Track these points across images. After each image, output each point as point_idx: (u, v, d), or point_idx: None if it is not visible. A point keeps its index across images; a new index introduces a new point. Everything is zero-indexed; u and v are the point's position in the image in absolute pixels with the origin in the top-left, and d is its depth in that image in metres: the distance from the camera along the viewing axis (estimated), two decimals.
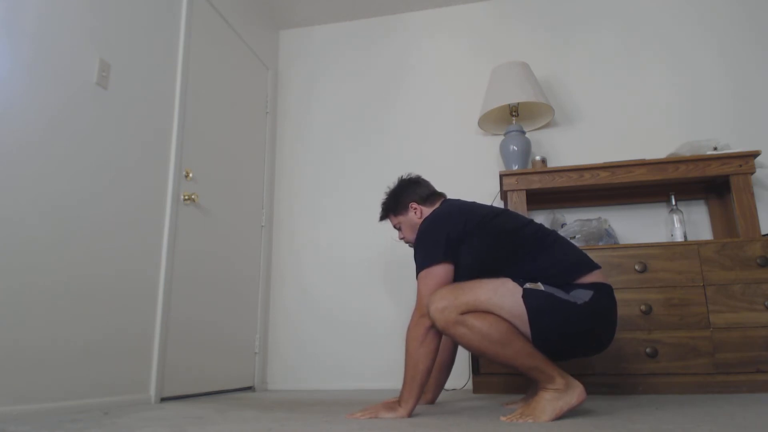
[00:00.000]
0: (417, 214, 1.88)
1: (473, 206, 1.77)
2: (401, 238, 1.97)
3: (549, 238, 1.66)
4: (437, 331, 1.57)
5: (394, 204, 1.94)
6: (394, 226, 1.98)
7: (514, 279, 1.54)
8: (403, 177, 1.99)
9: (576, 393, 1.45)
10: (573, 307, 1.50)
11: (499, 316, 1.48)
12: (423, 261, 1.66)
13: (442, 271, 1.62)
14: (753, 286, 2.25)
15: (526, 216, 2.20)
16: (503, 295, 1.49)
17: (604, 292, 1.57)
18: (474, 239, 1.65)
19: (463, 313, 1.48)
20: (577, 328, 1.52)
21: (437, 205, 1.87)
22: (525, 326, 1.48)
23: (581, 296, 1.52)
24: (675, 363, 2.23)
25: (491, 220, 1.68)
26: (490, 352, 1.48)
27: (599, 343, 1.61)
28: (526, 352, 1.47)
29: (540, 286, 1.52)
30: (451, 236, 1.65)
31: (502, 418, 1.46)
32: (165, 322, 2.28)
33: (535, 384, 1.58)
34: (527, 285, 1.52)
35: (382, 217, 2.01)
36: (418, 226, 1.78)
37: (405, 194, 1.92)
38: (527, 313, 1.48)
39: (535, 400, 1.47)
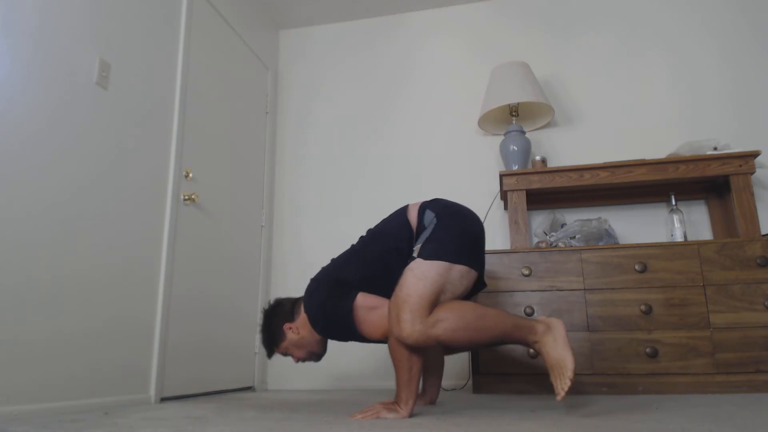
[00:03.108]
0: (294, 331, 1.83)
1: (325, 275, 1.77)
2: (298, 360, 1.89)
3: (374, 236, 1.77)
4: None
5: (271, 336, 1.87)
6: (284, 355, 1.91)
7: (405, 269, 1.60)
8: (265, 308, 1.92)
9: (559, 325, 1.54)
10: (443, 228, 1.64)
11: (453, 298, 1.58)
12: (339, 316, 1.66)
13: (361, 299, 1.66)
14: (753, 286, 2.25)
15: (527, 214, 2.18)
16: (424, 275, 1.56)
17: (433, 202, 1.73)
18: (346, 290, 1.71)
19: (426, 316, 1.52)
20: (459, 233, 1.64)
21: (299, 306, 1.84)
22: (455, 271, 1.59)
23: (430, 218, 1.67)
24: (675, 363, 2.23)
25: (341, 274, 1.73)
26: (474, 334, 1.53)
27: (477, 229, 1.73)
28: (502, 315, 1.57)
29: (416, 247, 1.63)
30: (337, 288, 1.70)
31: (560, 395, 1.46)
32: (165, 322, 2.28)
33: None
34: (414, 255, 1.61)
35: (270, 354, 1.92)
36: (307, 320, 1.77)
37: (274, 322, 1.86)
38: (444, 261, 1.57)
39: (546, 356, 1.53)
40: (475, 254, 1.67)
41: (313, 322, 1.74)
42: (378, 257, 1.71)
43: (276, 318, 1.86)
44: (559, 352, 1.50)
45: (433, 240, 1.62)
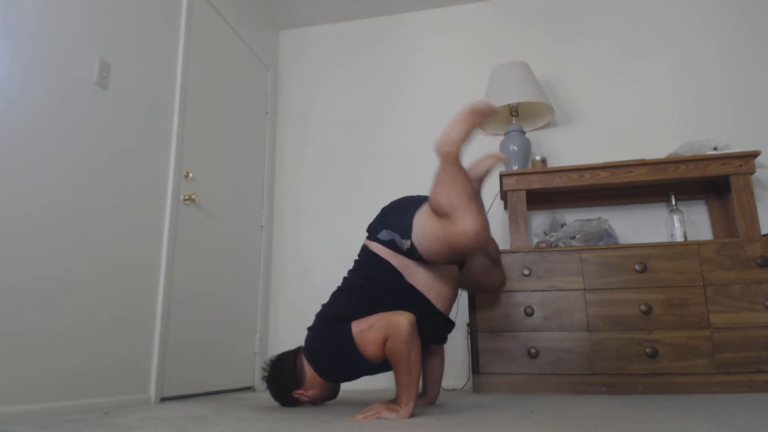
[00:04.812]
0: (306, 395, 1.79)
1: (317, 319, 1.78)
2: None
3: (354, 271, 1.82)
4: (416, 334, 1.60)
5: (286, 404, 1.85)
6: None
7: (397, 269, 1.71)
8: (265, 374, 1.85)
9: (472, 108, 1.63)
10: (398, 218, 1.72)
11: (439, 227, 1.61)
12: (341, 350, 1.66)
13: (355, 326, 1.65)
14: (753, 286, 2.25)
15: (527, 214, 2.22)
16: (427, 209, 1.65)
17: (374, 226, 1.80)
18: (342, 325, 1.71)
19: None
20: (406, 201, 1.76)
21: (301, 360, 1.79)
22: (439, 222, 1.61)
23: (386, 234, 1.74)
24: (675, 363, 2.23)
25: (333, 310, 1.74)
26: (445, 188, 1.57)
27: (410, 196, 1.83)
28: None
29: (405, 243, 1.68)
30: (332, 324, 1.71)
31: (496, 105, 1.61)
32: (165, 322, 2.28)
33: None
34: (407, 245, 1.67)
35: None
36: (315, 375, 1.75)
37: (285, 395, 1.82)
38: (426, 220, 1.64)
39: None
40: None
41: (322, 373, 1.74)
42: (364, 285, 1.75)
43: (284, 389, 1.81)
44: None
45: (404, 221, 1.69)
